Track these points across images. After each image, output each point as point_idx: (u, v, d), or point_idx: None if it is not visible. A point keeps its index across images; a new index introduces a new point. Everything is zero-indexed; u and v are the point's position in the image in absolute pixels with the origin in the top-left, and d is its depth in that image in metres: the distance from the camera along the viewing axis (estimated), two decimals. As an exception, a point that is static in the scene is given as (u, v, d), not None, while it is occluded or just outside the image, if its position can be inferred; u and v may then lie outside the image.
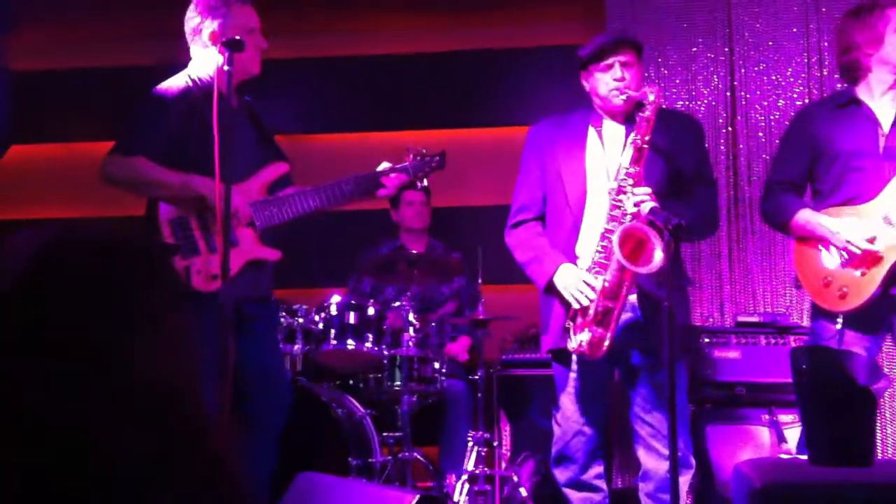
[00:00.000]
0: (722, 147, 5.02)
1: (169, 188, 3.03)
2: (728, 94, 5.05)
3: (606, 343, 2.99)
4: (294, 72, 5.73)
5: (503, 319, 4.58)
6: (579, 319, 3.02)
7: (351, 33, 5.87)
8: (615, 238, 2.91)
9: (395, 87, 5.86)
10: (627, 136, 3.11)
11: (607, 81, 3.11)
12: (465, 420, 4.46)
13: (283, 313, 4.16)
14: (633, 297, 3.06)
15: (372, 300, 4.44)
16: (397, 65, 5.88)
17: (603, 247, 3.00)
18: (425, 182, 3.37)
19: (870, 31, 3.29)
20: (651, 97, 3.01)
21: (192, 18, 3.17)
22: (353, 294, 4.79)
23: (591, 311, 2.98)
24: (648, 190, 2.97)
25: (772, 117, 5.00)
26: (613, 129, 3.17)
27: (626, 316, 3.05)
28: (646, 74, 5.01)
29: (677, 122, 3.25)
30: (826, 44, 4.94)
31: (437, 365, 4.27)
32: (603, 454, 3.24)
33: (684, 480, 3.11)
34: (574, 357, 3.12)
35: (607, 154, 3.14)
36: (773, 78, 5.02)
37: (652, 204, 2.92)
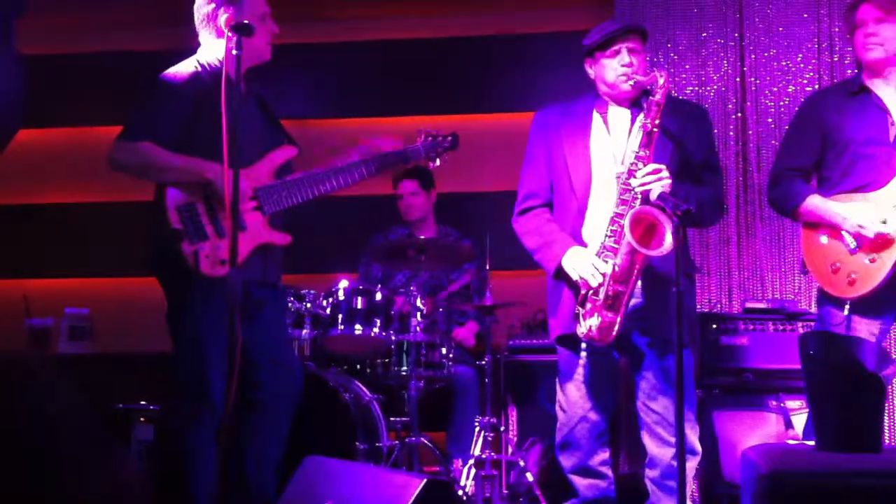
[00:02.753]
0: (731, 133, 5.00)
1: (176, 172, 3.03)
2: (738, 79, 5.03)
3: (616, 328, 2.99)
4: (304, 57, 5.72)
5: (511, 306, 4.58)
6: (589, 305, 3.02)
7: (360, 19, 5.86)
8: (626, 221, 2.91)
9: (403, 72, 5.84)
10: (633, 120, 3.11)
11: (615, 67, 3.12)
12: (472, 405, 4.46)
13: (292, 298, 4.16)
14: (639, 283, 3.05)
15: (380, 286, 4.44)
16: (406, 50, 5.86)
17: (613, 231, 3.00)
18: (437, 162, 3.37)
19: None
20: (660, 81, 3.02)
21: (204, 5, 3.17)
22: (362, 280, 4.80)
23: (602, 295, 2.98)
24: (660, 167, 2.97)
25: (781, 103, 4.98)
26: (619, 114, 3.18)
27: (633, 301, 3.04)
28: (655, 59, 5.01)
29: (686, 111, 3.26)
30: (837, 29, 4.90)
31: (444, 350, 4.27)
32: (608, 440, 3.25)
33: (690, 466, 3.12)
34: (583, 343, 3.12)
35: (613, 139, 3.15)
36: (784, 64, 5.00)
37: (661, 189, 2.92)
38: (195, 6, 3.19)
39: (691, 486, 3.20)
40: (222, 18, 3.11)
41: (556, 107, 3.30)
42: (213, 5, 3.14)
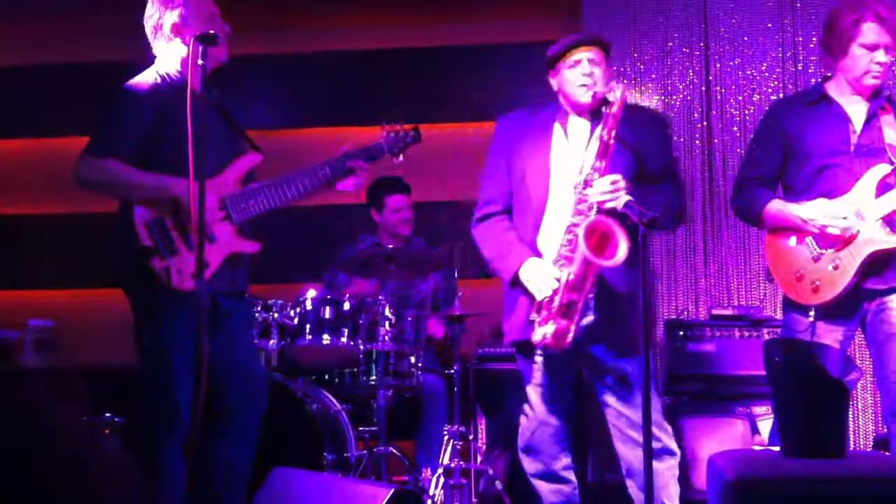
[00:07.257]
0: (697, 142, 5.04)
1: (141, 190, 2.99)
2: (703, 89, 5.08)
3: (570, 334, 3.01)
4: (268, 67, 5.71)
5: (478, 315, 4.58)
6: (544, 312, 3.03)
7: (327, 29, 5.85)
8: (580, 232, 2.94)
9: (372, 82, 5.84)
10: (592, 131, 3.13)
11: (575, 78, 3.14)
12: (440, 414, 4.46)
13: (259, 308, 4.14)
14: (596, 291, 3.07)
15: (348, 293, 4.42)
16: (374, 60, 5.86)
17: (568, 240, 3.03)
18: (401, 157, 3.37)
19: None
20: (617, 93, 3.03)
21: (151, 16, 3.13)
22: (327, 288, 4.78)
23: (556, 303, 2.99)
24: (617, 177, 2.98)
25: (746, 112, 5.03)
26: (579, 125, 3.20)
27: (587, 314, 3.06)
28: (622, 69, 5.04)
29: (645, 119, 3.28)
30: (800, 39, 4.97)
31: (412, 359, 4.27)
32: (569, 445, 3.25)
33: (671, 465, 3.13)
34: (538, 350, 3.14)
35: (572, 150, 3.16)
36: (748, 73, 5.05)
37: (627, 198, 2.93)
38: (144, 18, 3.16)
39: (674, 489, 3.17)
40: (167, 25, 3.10)
41: (519, 114, 3.31)
42: (156, 14, 3.11)
